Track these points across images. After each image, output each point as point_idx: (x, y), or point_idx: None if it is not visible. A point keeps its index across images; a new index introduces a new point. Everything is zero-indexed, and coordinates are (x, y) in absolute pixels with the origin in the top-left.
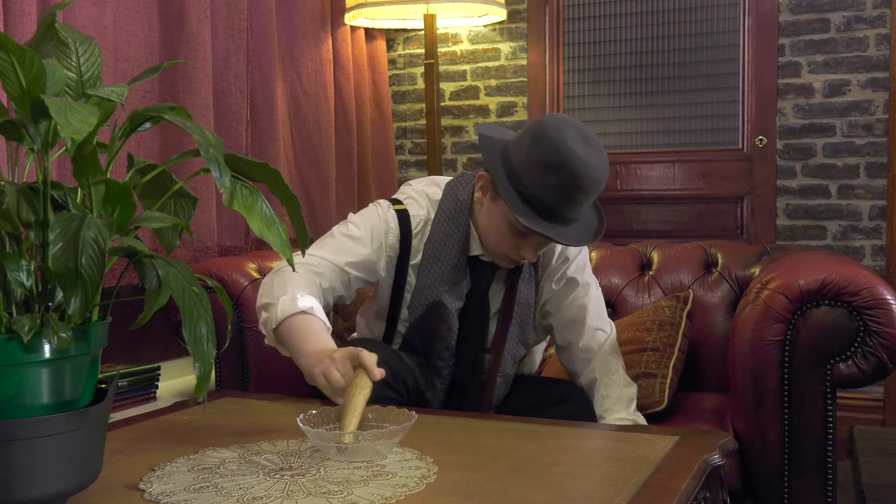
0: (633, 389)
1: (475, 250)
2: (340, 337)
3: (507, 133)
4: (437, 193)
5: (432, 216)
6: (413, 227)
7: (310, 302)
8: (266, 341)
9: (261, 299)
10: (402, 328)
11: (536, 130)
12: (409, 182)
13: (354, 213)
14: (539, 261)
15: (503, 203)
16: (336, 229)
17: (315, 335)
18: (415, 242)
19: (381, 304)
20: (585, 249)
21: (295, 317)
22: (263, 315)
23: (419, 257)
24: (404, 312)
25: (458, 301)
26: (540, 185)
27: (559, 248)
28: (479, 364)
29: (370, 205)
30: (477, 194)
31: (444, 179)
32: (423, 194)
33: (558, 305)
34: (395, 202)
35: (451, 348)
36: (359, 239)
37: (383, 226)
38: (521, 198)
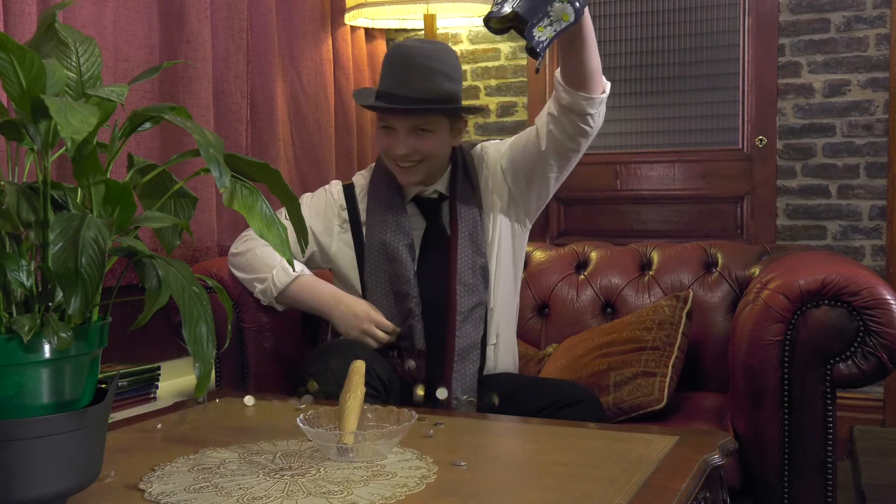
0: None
1: (412, 191)
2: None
3: None
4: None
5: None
6: (357, 193)
7: (299, 266)
8: (264, 303)
9: (248, 273)
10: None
11: None
12: None
13: None
14: (467, 180)
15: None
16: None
17: (324, 288)
18: (361, 207)
19: (351, 278)
20: (495, 143)
21: (297, 281)
22: (258, 287)
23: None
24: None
25: (404, 237)
26: (381, 80)
27: (480, 165)
28: (445, 292)
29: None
30: None
31: None
32: (369, 168)
33: (513, 165)
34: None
35: (409, 281)
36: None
37: (326, 199)
38: (374, 98)
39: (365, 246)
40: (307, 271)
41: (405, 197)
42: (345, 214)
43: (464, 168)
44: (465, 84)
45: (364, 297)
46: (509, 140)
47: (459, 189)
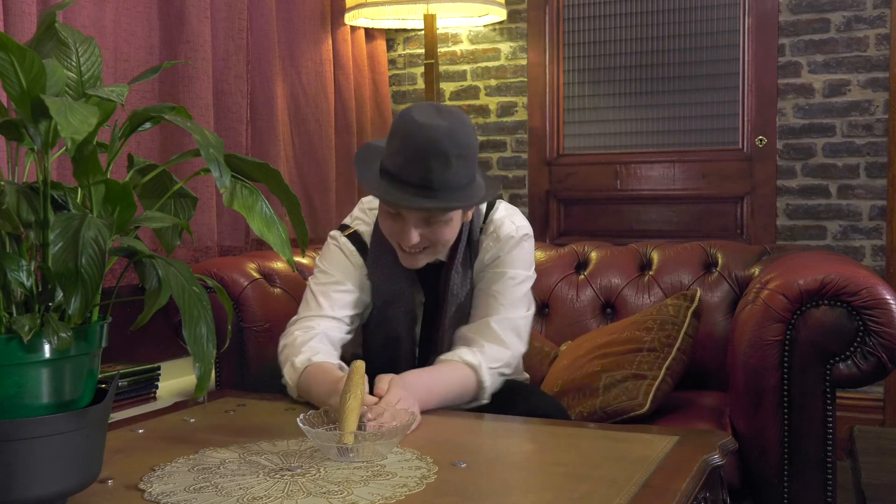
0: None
1: None
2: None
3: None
4: (375, 204)
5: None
6: (368, 242)
7: (304, 359)
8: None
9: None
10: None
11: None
12: (361, 200)
13: (353, 212)
14: (468, 250)
15: None
16: (312, 283)
17: (318, 384)
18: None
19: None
20: (524, 244)
21: (300, 378)
22: (284, 384)
23: None
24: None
25: (405, 304)
26: (389, 155)
27: (487, 242)
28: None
29: (327, 242)
30: None
31: None
32: (364, 210)
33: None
34: (345, 228)
35: (408, 354)
36: (335, 282)
37: (346, 256)
38: (378, 174)
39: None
40: (316, 359)
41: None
42: (364, 265)
43: (468, 241)
44: (465, 84)
45: (364, 351)
46: (498, 265)
47: (458, 262)
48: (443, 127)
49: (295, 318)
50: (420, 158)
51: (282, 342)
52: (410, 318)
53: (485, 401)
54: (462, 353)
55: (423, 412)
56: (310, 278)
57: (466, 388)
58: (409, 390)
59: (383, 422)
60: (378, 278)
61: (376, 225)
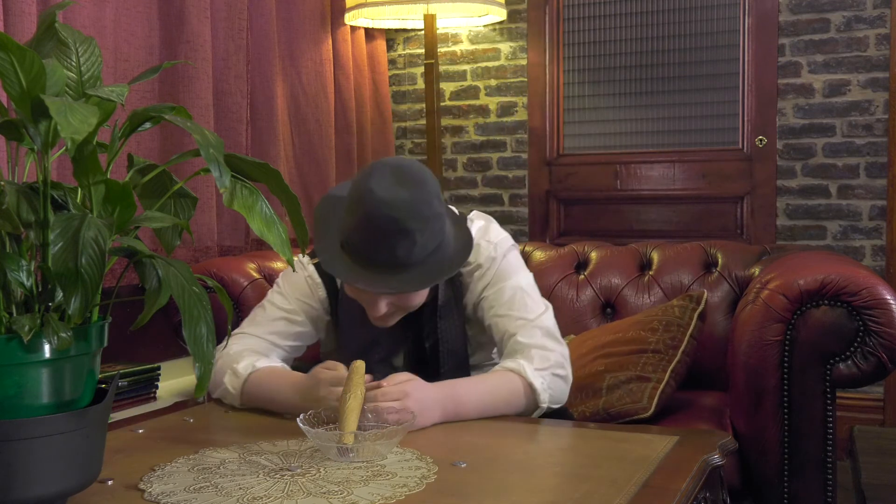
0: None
1: None
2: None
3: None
4: None
5: None
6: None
7: (248, 364)
8: (238, 406)
9: (213, 389)
10: None
11: (356, 175)
12: None
13: None
14: (450, 288)
15: None
16: (266, 301)
17: (278, 385)
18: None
19: (328, 347)
20: (508, 257)
21: (247, 382)
22: (220, 395)
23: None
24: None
25: (380, 353)
26: (350, 230)
27: (471, 276)
28: None
29: (297, 260)
30: None
31: None
32: None
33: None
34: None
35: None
36: (289, 312)
37: (307, 287)
38: (340, 246)
39: (338, 349)
40: (259, 363)
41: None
42: (326, 299)
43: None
44: (465, 84)
45: None
46: (492, 285)
47: (443, 300)
48: (404, 201)
49: (237, 330)
50: (384, 239)
51: (216, 354)
52: (389, 368)
53: (544, 406)
54: (502, 363)
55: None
56: (268, 293)
57: (513, 394)
58: (427, 406)
59: (377, 404)
60: (347, 322)
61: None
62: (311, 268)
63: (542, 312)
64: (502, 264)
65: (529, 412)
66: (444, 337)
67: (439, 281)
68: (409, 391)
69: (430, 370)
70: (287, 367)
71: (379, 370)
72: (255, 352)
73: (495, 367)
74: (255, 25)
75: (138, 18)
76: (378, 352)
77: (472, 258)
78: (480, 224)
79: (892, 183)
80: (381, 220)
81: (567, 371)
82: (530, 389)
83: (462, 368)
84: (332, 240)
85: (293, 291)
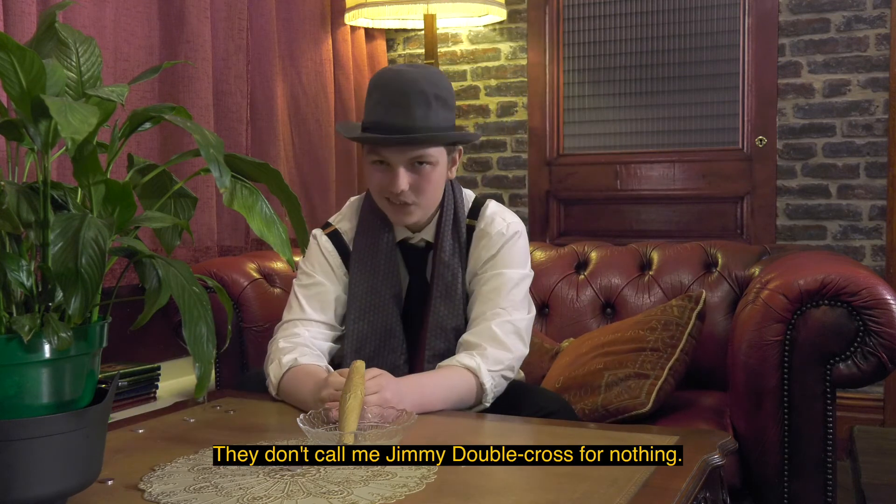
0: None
1: (399, 235)
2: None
3: None
4: (362, 200)
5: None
6: (347, 241)
7: (291, 359)
8: (275, 396)
9: (265, 376)
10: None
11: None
12: (350, 199)
13: (342, 209)
14: (455, 233)
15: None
16: (295, 284)
17: (301, 384)
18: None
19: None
20: (517, 241)
21: (284, 376)
22: (267, 384)
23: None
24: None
25: (392, 286)
26: (369, 110)
27: (478, 236)
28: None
29: (310, 240)
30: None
31: None
32: (350, 206)
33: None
34: (327, 226)
35: (397, 335)
36: (318, 284)
37: (323, 256)
38: (360, 130)
39: (349, 293)
40: (303, 360)
41: (393, 244)
42: (342, 264)
43: (454, 217)
44: (465, 84)
45: (344, 345)
46: (493, 266)
47: (446, 240)
48: (421, 72)
49: (280, 322)
50: (401, 103)
51: (269, 347)
52: (397, 299)
53: (487, 404)
54: (461, 358)
55: (424, 413)
56: (295, 279)
57: (466, 391)
58: (402, 395)
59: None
60: (359, 274)
61: (360, 220)
62: (323, 238)
63: (524, 315)
64: (509, 247)
65: (474, 408)
66: (441, 270)
67: (455, 138)
68: (384, 384)
69: (427, 302)
70: (326, 366)
71: (391, 306)
72: (304, 345)
73: (456, 360)
74: (255, 25)
75: (138, 18)
76: (390, 286)
77: (483, 225)
78: (497, 204)
79: (892, 183)
80: (399, 85)
81: (514, 374)
82: (481, 389)
83: (451, 309)
84: (355, 128)
85: (313, 266)
